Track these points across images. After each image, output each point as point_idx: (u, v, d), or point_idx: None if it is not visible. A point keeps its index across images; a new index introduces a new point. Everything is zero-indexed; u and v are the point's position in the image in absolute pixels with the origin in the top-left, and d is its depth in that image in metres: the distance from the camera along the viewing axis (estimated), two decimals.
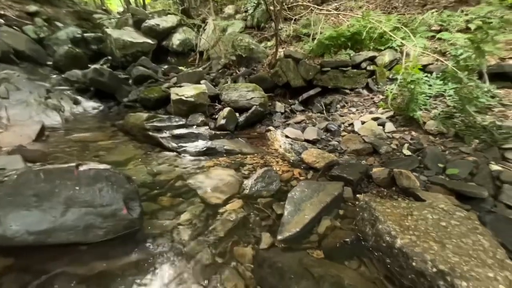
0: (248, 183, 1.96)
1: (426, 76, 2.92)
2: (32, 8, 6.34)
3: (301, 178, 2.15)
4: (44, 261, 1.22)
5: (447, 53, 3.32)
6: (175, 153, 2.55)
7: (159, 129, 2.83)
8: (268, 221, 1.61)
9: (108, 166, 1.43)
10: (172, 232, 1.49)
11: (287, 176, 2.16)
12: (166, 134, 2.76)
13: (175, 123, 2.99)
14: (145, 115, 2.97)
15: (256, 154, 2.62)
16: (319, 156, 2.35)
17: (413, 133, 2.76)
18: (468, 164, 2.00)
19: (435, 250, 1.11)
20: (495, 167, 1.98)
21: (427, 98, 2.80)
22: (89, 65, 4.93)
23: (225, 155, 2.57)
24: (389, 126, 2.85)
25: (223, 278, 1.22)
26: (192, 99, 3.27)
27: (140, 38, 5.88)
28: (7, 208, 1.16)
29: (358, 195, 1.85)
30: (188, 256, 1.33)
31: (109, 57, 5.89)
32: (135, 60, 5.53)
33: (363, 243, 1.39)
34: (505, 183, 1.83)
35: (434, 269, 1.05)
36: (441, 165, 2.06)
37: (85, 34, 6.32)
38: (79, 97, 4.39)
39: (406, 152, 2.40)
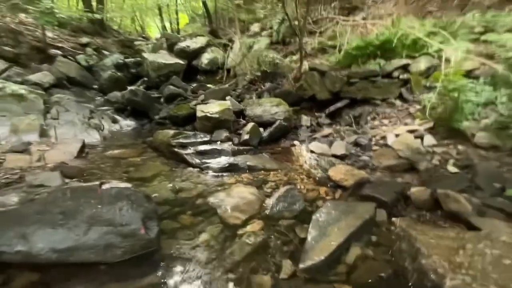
0: (269, 202, 1.86)
1: (472, 82, 2.59)
2: (84, 39, 7.23)
3: (328, 197, 1.99)
4: (65, 279, 1.24)
5: (495, 56, 2.93)
6: (198, 169, 2.56)
7: (184, 146, 2.89)
8: (290, 247, 1.48)
9: (129, 185, 1.45)
10: (189, 254, 1.44)
11: (312, 195, 2.01)
12: (190, 150, 2.80)
13: (199, 140, 3.04)
14: (171, 132, 3.07)
15: (279, 170, 2.51)
16: (347, 173, 2.17)
17: (459, 147, 2.43)
18: None
19: None
20: None
21: (475, 106, 2.47)
22: (127, 87, 5.37)
23: (247, 171, 2.51)
24: (429, 139, 2.55)
25: None
26: (216, 115, 3.32)
27: (172, 60, 6.29)
28: (35, 225, 1.22)
29: (393, 219, 1.63)
30: (203, 282, 1.25)
31: (145, 79, 6.38)
32: (167, 80, 5.90)
33: (402, 279, 1.18)
34: None
35: None
36: (497, 185, 1.74)
37: (127, 60, 6.96)
38: (117, 116, 4.77)
39: (452, 169, 2.10)
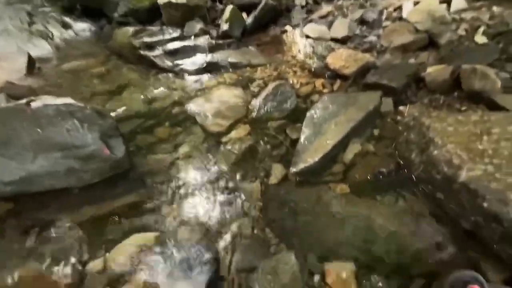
0: (255, 103, 1.58)
1: None
2: None
3: (325, 90, 1.69)
4: (39, 207, 1.14)
5: None
6: (172, 74, 2.15)
7: (150, 46, 2.34)
8: (280, 150, 1.31)
9: (70, 101, 1.14)
10: (170, 169, 1.30)
11: (306, 90, 1.71)
12: (159, 51, 2.28)
13: (168, 36, 2.44)
14: (131, 29, 2.44)
15: (268, 65, 2.10)
16: (349, 59, 1.78)
17: (495, 8, 1.89)
18: None
19: None
20: None
21: None
22: None
23: (230, 69, 2.10)
24: (458, 2, 1.97)
25: (226, 218, 1.05)
26: (184, 1, 2.55)
27: None
28: None
29: (401, 107, 1.39)
30: (186, 195, 1.16)
31: None
32: None
33: (404, 172, 1.05)
34: None
35: None
36: None
37: None
38: (67, 19, 3.80)
39: (480, 39, 1.68)
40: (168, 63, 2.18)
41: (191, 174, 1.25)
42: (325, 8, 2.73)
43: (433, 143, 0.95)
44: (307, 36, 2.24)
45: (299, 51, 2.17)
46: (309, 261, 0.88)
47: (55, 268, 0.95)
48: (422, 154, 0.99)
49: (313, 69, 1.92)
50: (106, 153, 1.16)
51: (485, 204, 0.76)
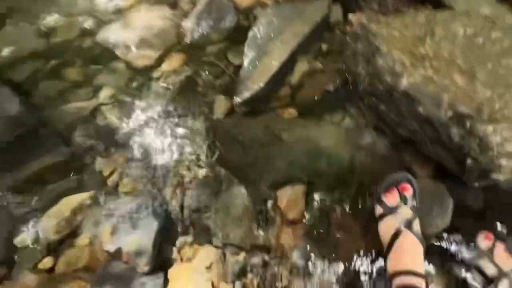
0: (187, 25, 1.29)
1: None
2: None
3: (269, 2, 1.43)
4: None
5: None
6: None
7: None
8: (223, 79, 1.15)
9: None
10: (93, 118, 1.09)
11: (247, 2, 1.42)
12: None
13: None
14: None
15: None
16: None
17: None
18: None
19: (459, 86, 0.75)
20: None
21: None
22: None
23: None
24: None
25: (170, 161, 0.97)
26: None
27: None
28: None
29: (351, 16, 1.26)
30: (120, 144, 1.01)
31: None
32: None
33: (351, 88, 1.01)
34: None
35: (450, 113, 0.73)
36: None
37: None
38: None
39: None
40: None
41: (121, 120, 1.07)
42: None
43: (379, 52, 0.88)
44: None
45: None
46: (261, 190, 0.87)
47: None
48: (368, 65, 0.93)
49: None
50: None
51: (420, 109, 0.77)
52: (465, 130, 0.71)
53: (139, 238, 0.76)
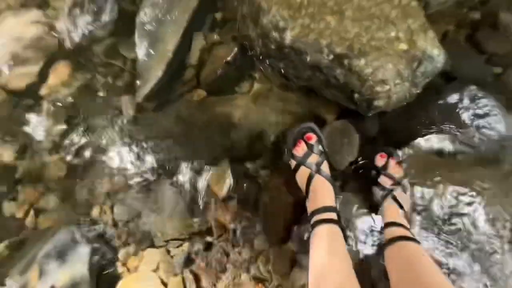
0: (62, 26, 1.12)
1: None
2: None
3: None
4: None
5: None
6: None
7: None
8: (123, 77, 1.06)
9: None
10: None
11: None
12: None
13: None
14: None
15: None
16: None
17: None
18: None
19: (332, 28, 0.78)
20: None
21: None
22: None
23: None
24: None
25: (90, 182, 0.90)
26: None
27: None
28: None
29: None
30: (22, 184, 0.90)
31: None
32: None
33: (250, 53, 1.01)
34: None
35: (330, 56, 0.78)
36: None
37: None
38: None
39: None
40: None
41: (18, 154, 0.94)
42: None
43: (262, 10, 0.87)
44: None
45: None
46: (189, 179, 0.87)
47: None
48: (256, 27, 0.92)
49: None
50: None
51: (308, 58, 0.80)
52: (345, 69, 0.77)
53: (71, 269, 0.73)
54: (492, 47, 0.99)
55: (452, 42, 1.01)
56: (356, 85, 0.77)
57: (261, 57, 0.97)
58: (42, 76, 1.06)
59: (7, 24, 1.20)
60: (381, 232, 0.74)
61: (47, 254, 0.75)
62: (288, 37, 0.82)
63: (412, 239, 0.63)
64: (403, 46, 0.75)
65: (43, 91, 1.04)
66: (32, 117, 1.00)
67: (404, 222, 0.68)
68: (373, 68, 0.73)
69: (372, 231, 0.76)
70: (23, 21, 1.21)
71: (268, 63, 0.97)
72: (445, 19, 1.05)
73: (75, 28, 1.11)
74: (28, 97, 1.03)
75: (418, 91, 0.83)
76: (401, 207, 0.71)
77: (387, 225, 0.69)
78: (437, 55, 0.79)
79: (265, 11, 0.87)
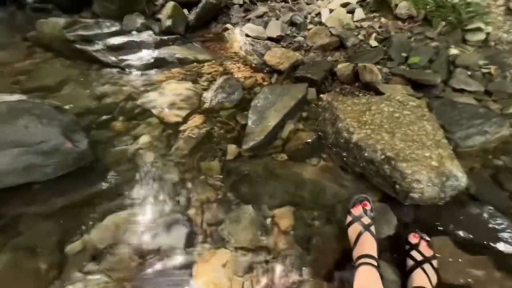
0: (207, 95, 1.80)
1: None
2: None
3: (265, 83, 2.02)
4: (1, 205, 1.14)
5: None
6: (117, 69, 2.16)
7: (88, 40, 2.26)
8: (233, 133, 1.58)
9: (22, 97, 1.15)
10: (134, 157, 1.43)
11: (249, 82, 2.01)
12: (99, 45, 2.23)
13: (107, 30, 2.38)
14: (62, 21, 2.27)
15: (214, 61, 2.32)
16: (283, 56, 2.15)
17: (383, 19, 2.54)
18: (429, 51, 1.98)
19: (386, 140, 1.20)
20: (453, 51, 1.99)
21: None
22: None
23: (178, 65, 2.24)
24: (359, 13, 2.56)
25: (194, 192, 1.28)
26: None
27: None
28: None
29: (321, 95, 1.83)
30: (155, 177, 1.33)
31: None
32: None
33: (323, 141, 1.47)
34: (458, 67, 1.89)
35: (382, 156, 1.16)
36: (404, 54, 2.01)
37: None
38: None
39: (373, 43, 2.27)
40: (112, 58, 2.17)
41: (155, 159, 1.42)
42: (261, 9, 3.07)
43: (339, 119, 1.37)
44: (247, 35, 2.54)
45: (240, 48, 2.44)
46: (262, 210, 1.19)
47: (32, 259, 1.02)
48: (333, 126, 1.41)
49: (254, 65, 2.24)
50: (68, 146, 1.22)
51: (366, 154, 1.21)
52: (391, 167, 1.13)
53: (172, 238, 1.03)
54: None
55: (478, 175, 1.32)
56: (398, 179, 1.11)
57: (330, 146, 1.42)
58: (185, 119, 1.65)
59: (173, 86, 1.96)
60: None
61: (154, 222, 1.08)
62: (355, 138, 1.26)
63: None
64: (435, 163, 1.11)
65: (182, 127, 1.61)
66: (170, 140, 1.53)
67: None
68: (412, 170, 1.08)
69: None
70: (182, 86, 1.95)
71: (334, 150, 1.40)
72: (473, 158, 1.40)
73: (214, 98, 1.77)
74: (172, 128, 1.59)
75: (447, 199, 1.12)
76: (429, 279, 0.89)
77: None
78: (461, 177, 1.11)
79: (341, 119, 1.36)
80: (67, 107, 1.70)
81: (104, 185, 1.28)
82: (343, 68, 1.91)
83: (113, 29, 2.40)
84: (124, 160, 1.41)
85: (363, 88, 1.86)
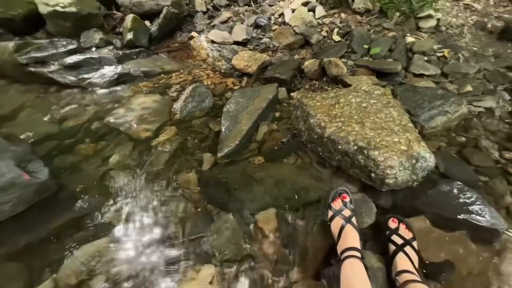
0: (177, 106, 1.75)
1: None
2: None
3: (235, 87, 2.01)
4: None
5: None
6: (78, 89, 2.04)
7: (43, 62, 2.12)
8: (207, 142, 1.55)
9: None
10: (104, 180, 1.35)
11: (220, 88, 1.98)
12: (55, 66, 2.10)
13: (63, 49, 2.25)
14: (11, 44, 2.11)
15: (182, 70, 2.27)
16: (250, 59, 2.15)
17: (343, 15, 2.63)
18: (388, 41, 2.06)
19: (357, 131, 1.23)
20: (410, 39, 2.09)
21: None
22: None
23: (144, 78, 2.16)
24: (319, 11, 2.63)
25: (173, 208, 1.22)
26: (73, 9, 2.38)
27: None
28: None
29: (292, 94, 1.84)
30: (128, 198, 1.26)
31: None
32: None
33: (298, 139, 1.47)
34: (415, 53, 1.99)
35: (355, 147, 1.18)
36: (366, 46, 2.08)
37: None
38: None
39: (336, 38, 2.33)
40: (70, 78, 2.05)
41: (127, 179, 1.34)
42: (225, 14, 3.07)
43: (310, 115, 1.38)
44: (213, 41, 2.51)
45: (207, 55, 2.41)
46: (244, 216, 1.16)
47: None
48: (305, 123, 1.41)
49: (222, 71, 2.21)
50: (26, 178, 1.12)
51: (339, 147, 1.22)
52: (365, 156, 1.15)
53: (153, 261, 0.97)
54: (477, 161, 1.34)
55: (445, 153, 1.38)
56: (372, 167, 1.13)
57: (305, 142, 1.42)
58: (156, 133, 1.59)
59: (140, 100, 1.88)
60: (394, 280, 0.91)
61: None
62: (327, 132, 1.27)
63: (422, 282, 0.81)
64: (404, 147, 1.15)
65: (154, 142, 1.54)
66: (143, 157, 1.46)
67: (414, 271, 0.87)
68: (384, 157, 1.11)
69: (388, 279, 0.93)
70: (150, 99, 1.88)
71: (309, 146, 1.41)
72: (438, 138, 1.47)
73: (185, 108, 1.73)
74: (143, 144, 1.53)
75: (419, 180, 1.16)
76: (411, 261, 0.91)
77: (400, 272, 0.88)
78: (429, 157, 1.15)
79: (312, 115, 1.37)
80: (23, 136, 1.58)
81: (72, 215, 1.19)
82: (310, 64, 1.94)
83: (70, 47, 2.27)
84: (93, 184, 1.33)
85: (331, 82, 1.90)
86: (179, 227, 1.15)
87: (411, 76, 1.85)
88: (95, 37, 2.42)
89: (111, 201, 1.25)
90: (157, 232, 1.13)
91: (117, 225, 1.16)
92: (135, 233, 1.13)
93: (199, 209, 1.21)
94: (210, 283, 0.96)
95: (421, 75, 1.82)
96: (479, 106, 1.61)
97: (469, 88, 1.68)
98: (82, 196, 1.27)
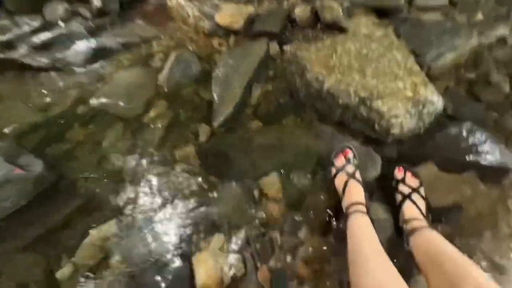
0: (163, 77, 1.62)
1: None
2: None
3: (223, 48, 1.83)
4: None
5: None
6: (55, 72, 1.89)
7: (9, 46, 1.93)
8: (201, 112, 1.46)
9: None
10: (101, 164, 1.31)
11: (206, 52, 1.82)
12: (24, 49, 1.91)
13: (28, 28, 2.02)
14: None
15: (162, 36, 2.06)
16: (235, 14, 1.92)
17: None
18: None
19: (357, 81, 1.13)
20: None
21: None
22: None
23: (124, 50, 1.97)
24: None
25: (175, 183, 1.21)
26: None
27: None
28: None
29: (284, 47, 1.68)
30: (128, 179, 1.24)
31: None
32: None
33: (295, 97, 1.38)
34: None
35: (357, 99, 1.10)
36: None
37: None
38: None
39: None
40: (43, 60, 1.88)
41: (125, 161, 1.31)
42: None
43: (306, 69, 1.27)
44: None
45: (187, 15, 2.16)
46: (248, 183, 1.15)
47: None
48: (301, 79, 1.31)
49: (206, 31, 2.00)
50: (19, 173, 1.09)
51: (340, 100, 1.14)
52: (368, 107, 1.08)
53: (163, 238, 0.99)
54: (487, 97, 1.26)
55: (454, 93, 1.30)
56: (376, 118, 1.06)
57: (304, 99, 1.34)
58: (146, 109, 1.50)
59: (123, 75, 1.75)
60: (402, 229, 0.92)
61: None
62: (326, 86, 1.17)
63: (431, 228, 0.81)
64: (409, 93, 1.06)
65: (145, 119, 1.46)
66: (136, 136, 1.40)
67: (422, 218, 0.87)
68: (388, 106, 1.03)
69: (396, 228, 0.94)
70: (134, 73, 1.75)
71: (308, 103, 1.33)
72: (446, 77, 1.36)
73: (170, 78, 1.60)
74: (134, 123, 1.45)
75: (426, 126, 1.10)
76: (418, 208, 0.90)
77: (407, 221, 0.88)
78: (437, 101, 1.08)
79: (308, 69, 1.26)
80: (7, 130, 1.50)
81: (76, 202, 1.18)
82: (301, 12, 1.73)
83: (35, 24, 2.04)
84: (91, 169, 1.30)
85: (326, 29, 1.71)
86: (184, 201, 1.15)
87: (415, 10, 1.65)
88: (59, 9, 2.16)
89: (113, 184, 1.24)
90: (163, 208, 1.13)
91: (123, 206, 1.16)
92: (142, 211, 1.13)
93: (202, 182, 1.19)
94: (221, 249, 0.99)
95: (426, 9, 1.62)
96: (490, 36, 1.46)
97: (479, 16, 1.51)
98: (82, 183, 1.25)
